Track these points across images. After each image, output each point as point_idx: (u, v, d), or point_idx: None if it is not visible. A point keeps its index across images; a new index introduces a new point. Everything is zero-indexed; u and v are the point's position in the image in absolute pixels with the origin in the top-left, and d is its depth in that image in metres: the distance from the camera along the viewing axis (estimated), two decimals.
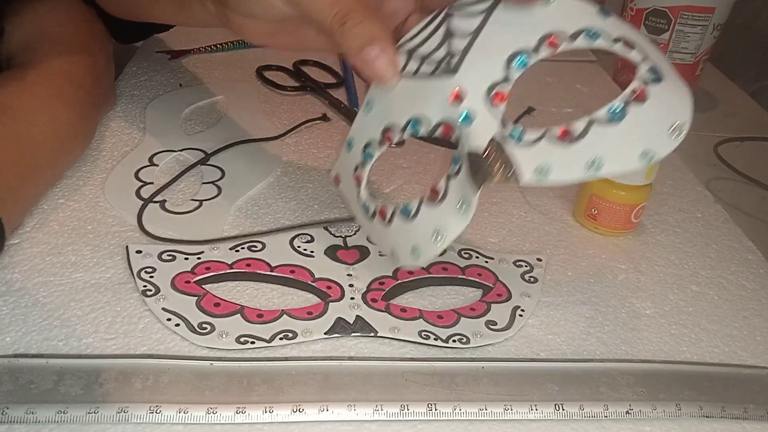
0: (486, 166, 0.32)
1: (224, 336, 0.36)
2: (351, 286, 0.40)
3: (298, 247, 0.43)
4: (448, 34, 0.35)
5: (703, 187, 0.56)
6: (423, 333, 0.37)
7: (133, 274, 0.39)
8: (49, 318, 0.36)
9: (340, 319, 0.37)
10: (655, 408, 0.34)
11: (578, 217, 0.49)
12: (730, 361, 0.38)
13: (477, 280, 0.42)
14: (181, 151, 0.52)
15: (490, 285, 0.41)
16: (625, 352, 0.38)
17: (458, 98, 0.33)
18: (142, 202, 0.45)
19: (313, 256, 0.42)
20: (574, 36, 0.33)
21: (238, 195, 0.48)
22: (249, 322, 0.37)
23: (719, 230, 0.50)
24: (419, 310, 0.39)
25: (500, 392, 0.34)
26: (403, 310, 0.39)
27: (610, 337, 0.39)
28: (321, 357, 0.35)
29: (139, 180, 0.48)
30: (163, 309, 0.37)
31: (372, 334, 0.37)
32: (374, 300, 0.39)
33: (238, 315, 0.37)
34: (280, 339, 0.36)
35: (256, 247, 0.42)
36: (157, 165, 0.50)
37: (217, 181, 0.49)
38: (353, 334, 0.37)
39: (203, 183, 0.49)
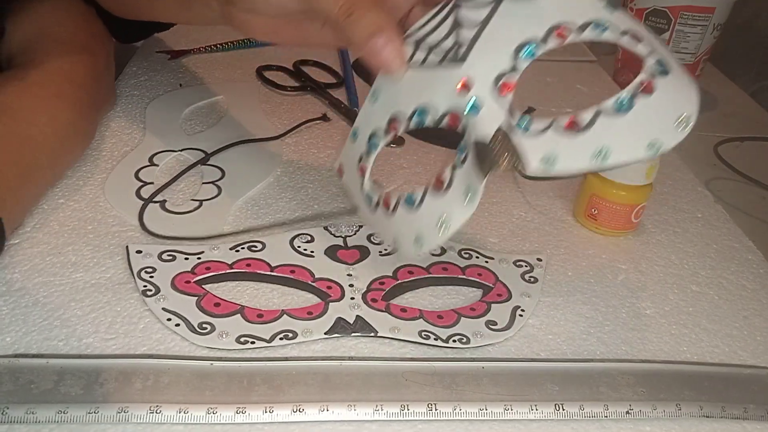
0: (492, 155, 0.31)
1: (224, 336, 0.36)
2: (351, 286, 0.40)
3: (298, 247, 0.43)
4: (456, 25, 0.35)
5: (703, 187, 0.56)
6: (423, 333, 0.37)
7: (133, 274, 0.39)
8: (50, 318, 0.36)
9: (340, 319, 0.37)
10: (655, 408, 0.34)
11: (578, 217, 0.49)
12: (731, 361, 0.38)
13: (477, 280, 0.42)
14: (181, 151, 0.52)
15: (491, 285, 0.41)
16: (625, 352, 0.38)
17: (465, 87, 0.33)
18: (142, 202, 0.45)
19: (313, 256, 0.42)
20: (582, 28, 0.33)
21: (238, 195, 0.48)
22: (249, 322, 0.37)
23: (719, 230, 0.50)
24: (419, 310, 0.39)
25: (500, 392, 0.34)
26: (404, 310, 0.39)
27: (610, 337, 0.39)
28: (321, 357, 0.35)
29: (140, 180, 0.48)
30: (163, 309, 0.37)
31: (372, 334, 0.37)
32: (374, 300, 0.39)
33: (238, 315, 0.37)
34: (280, 339, 0.36)
35: (256, 247, 0.42)
36: (157, 165, 0.50)
37: (217, 181, 0.49)
38: (353, 334, 0.37)
39: (203, 183, 0.49)
